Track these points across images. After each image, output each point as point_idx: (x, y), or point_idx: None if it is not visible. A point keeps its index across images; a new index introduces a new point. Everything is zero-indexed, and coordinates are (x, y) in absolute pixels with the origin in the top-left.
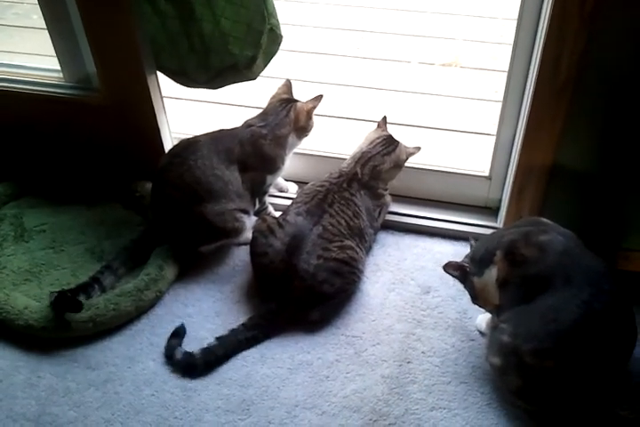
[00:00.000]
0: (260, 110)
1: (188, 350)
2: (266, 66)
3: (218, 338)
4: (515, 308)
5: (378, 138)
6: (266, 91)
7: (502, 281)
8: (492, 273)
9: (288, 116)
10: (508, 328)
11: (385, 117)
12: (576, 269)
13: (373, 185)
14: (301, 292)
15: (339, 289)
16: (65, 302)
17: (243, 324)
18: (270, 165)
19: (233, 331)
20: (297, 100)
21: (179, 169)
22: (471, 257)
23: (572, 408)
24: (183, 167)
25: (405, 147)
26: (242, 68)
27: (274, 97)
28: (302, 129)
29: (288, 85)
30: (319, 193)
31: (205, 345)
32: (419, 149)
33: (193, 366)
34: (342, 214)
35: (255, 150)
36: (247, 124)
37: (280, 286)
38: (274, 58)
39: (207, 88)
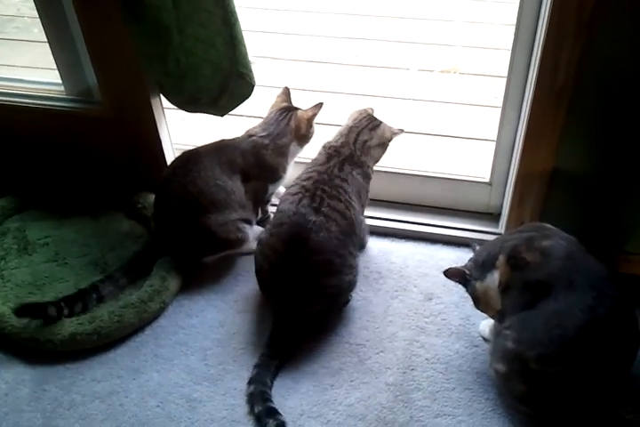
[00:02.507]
0: (261, 120)
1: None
2: (234, 107)
3: (249, 382)
4: (518, 314)
5: (360, 114)
6: (266, 100)
7: (504, 286)
8: (495, 277)
9: (289, 125)
10: (512, 334)
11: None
12: (579, 274)
13: (364, 161)
14: (308, 263)
15: (337, 270)
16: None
17: (263, 354)
18: (272, 174)
19: (258, 366)
20: (297, 108)
21: (181, 180)
22: (474, 261)
23: (576, 413)
24: (186, 178)
25: (389, 127)
26: (205, 103)
27: (273, 106)
28: (303, 137)
29: (287, 93)
30: (307, 191)
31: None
32: (402, 130)
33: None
34: (333, 215)
35: (257, 160)
36: (248, 135)
37: (281, 276)
38: (245, 100)
39: (182, 109)
